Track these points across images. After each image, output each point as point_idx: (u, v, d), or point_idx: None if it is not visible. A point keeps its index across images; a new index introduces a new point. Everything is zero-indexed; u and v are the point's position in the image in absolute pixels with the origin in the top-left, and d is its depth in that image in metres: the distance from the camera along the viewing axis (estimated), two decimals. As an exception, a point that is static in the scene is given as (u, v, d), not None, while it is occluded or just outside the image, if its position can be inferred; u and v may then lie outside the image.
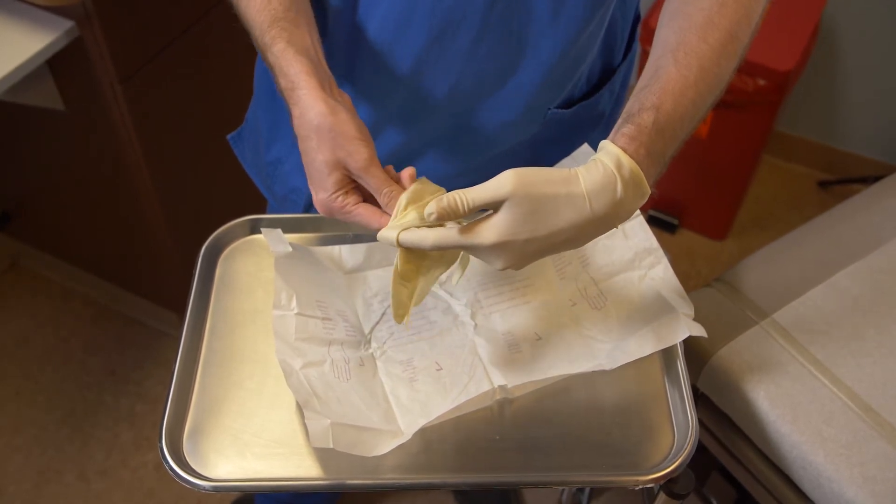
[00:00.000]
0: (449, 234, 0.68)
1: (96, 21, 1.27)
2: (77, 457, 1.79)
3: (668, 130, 0.70)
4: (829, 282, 1.20)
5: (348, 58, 0.89)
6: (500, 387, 0.79)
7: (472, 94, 0.88)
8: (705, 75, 0.72)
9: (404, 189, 0.72)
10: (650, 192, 0.69)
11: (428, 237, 0.68)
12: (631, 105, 0.71)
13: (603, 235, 0.87)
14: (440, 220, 0.67)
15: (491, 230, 0.66)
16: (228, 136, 1.15)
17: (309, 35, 0.77)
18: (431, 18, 0.81)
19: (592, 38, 0.88)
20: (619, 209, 0.67)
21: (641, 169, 0.67)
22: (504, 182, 0.65)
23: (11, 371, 1.91)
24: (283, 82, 0.74)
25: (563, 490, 1.53)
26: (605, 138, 0.69)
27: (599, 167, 0.67)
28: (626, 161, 0.67)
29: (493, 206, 0.66)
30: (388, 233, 0.70)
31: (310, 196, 1.00)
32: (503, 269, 0.69)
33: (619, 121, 0.70)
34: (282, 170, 1.04)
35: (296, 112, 0.73)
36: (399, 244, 0.70)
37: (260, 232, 0.94)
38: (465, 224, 0.68)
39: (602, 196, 0.66)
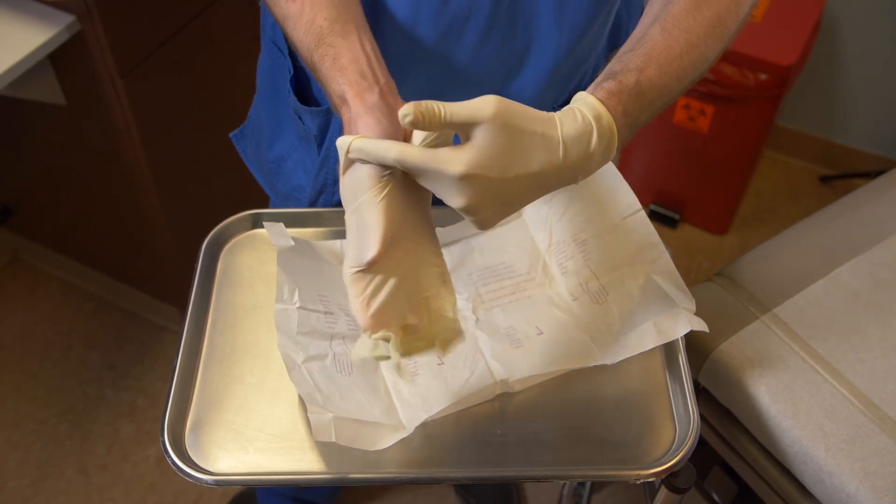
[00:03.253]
0: (415, 149, 0.63)
1: (97, 15, 1.27)
2: (77, 452, 1.79)
3: (647, 96, 0.68)
4: (831, 276, 1.20)
5: None
6: (502, 381, 0.79)
7: (476, 92, 0.87)
8: (691, 51, 0.71)
9: None
10: (616, 154, 0.68)
11: (391, 149, 0.63)
12: (613, 64, 0.70)
13: (605, 231, 0.87)
14: (414, 126, 0.61)
15: (461, 157, 0.61)
16: (231, 135, 1.15)
17: (359, 42, 0.73)
18: (438, 18, 0.81)
19: (597, 36, 0.88)
20: (588, 162, 0.65)
21: (616, 126, 0.66)
22: (486, 103, 0.61)
23: (11, 366, 1.91)
24: (334, 99, 0.72)
25: (565, 484, 1.53)
26: None
27: (577, 115, 0.65)
28: (605, 114, 0.65)
29: (467, 132, 0.62)
30: (344, 140, 0.66)
31: (313, 194, 1.00)
32: (461, 209, 0.64)
33: (600, 77, 0.69)
34: (285, 168, 1.03)
35: (345, 120, 0.71)
36: (349, 152, 0.65)
37: (262, 226, 0.94)
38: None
39: (577, 145, 0.64)
